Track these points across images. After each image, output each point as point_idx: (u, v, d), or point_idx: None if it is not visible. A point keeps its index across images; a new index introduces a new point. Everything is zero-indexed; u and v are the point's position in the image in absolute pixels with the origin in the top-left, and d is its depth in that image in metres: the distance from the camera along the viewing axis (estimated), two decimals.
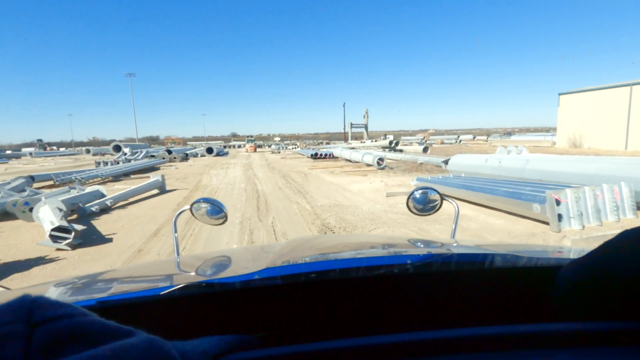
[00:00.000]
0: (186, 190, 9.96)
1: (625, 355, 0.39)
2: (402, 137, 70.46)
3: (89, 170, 12.76)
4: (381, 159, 13.99)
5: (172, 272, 1.03)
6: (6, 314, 0.25)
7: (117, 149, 37.92)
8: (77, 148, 43.83)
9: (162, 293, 0.62)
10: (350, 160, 18.14)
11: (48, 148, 53.27)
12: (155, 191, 9.57)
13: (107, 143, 57.49)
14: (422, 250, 0.97)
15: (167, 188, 10.25)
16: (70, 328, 0.26)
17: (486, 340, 0.41)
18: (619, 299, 0.47)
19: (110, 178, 13.21)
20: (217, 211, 1.35)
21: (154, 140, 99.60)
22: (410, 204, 1.45)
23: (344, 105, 76.60)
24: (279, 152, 33.47)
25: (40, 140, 55.61)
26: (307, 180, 11.37)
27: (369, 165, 14.91)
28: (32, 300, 0.27)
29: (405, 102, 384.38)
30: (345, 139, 72.17)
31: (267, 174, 13.98)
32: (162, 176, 9.76)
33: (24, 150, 52.50)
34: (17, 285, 3.65)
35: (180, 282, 0.67)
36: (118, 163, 20.00)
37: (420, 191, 1.44)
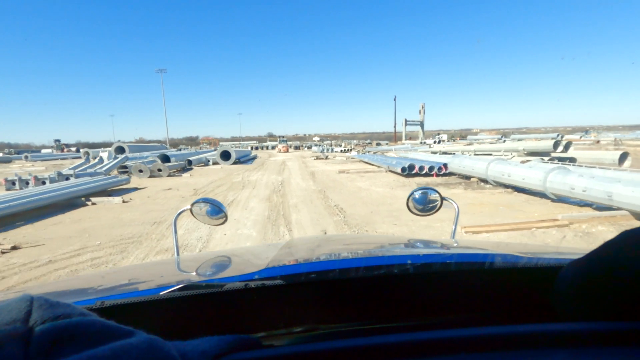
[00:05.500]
0: None
1: (625, 355, 0.38)
2: (469, 137, 57.04)
3: None
4: None
5: (172, 272, 1.00)
6: (5, 314, 0.25)
7: (121, 150, 30.09)
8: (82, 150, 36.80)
9: (162, 293, 0.61)
10: (519, 189, 7.37)
11: (65, 149, 47.84)
12: None
13: (154, 142, 51.49)
14: (422, 251, 0.96)
15: None
16: (70, 328, 0.25)
17: (486, 340, 0.40)
18: (619, 299, 0.45)
19: None
20: (217, 211, 1.32)
21: (192, 141, 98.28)
22: (410, 204, 1.42)
23: (394, 99, 64.54)
24: (326, 157, 23.00)
25: (57, 140, 50.72)
26: None
27: None
28: (31, 300, 0.26)
29: (444, 101, 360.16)
30: (396, 139, 60.69)
31: None
32: None
33: (44, 151, 47.84)
34: None
35: (180, 282, 0.65)
36: (44, 183, 10.95)
37: (420, 191, 1.41)
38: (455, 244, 1.10)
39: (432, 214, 1.41)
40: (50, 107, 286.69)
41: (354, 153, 25.27)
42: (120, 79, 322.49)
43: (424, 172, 11.02)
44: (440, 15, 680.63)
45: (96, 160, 16.45)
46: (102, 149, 26.71)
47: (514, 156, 13.20)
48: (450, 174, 10.94)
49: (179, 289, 0.61)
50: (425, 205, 1.40)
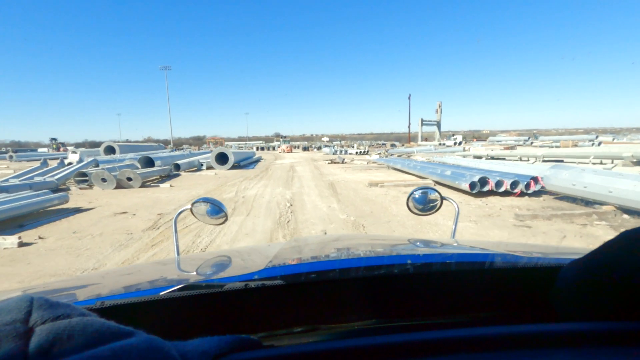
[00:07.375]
0: None
1: (625, 356, 0.38)
2: (490, 138, 52.78)
3: None
4: None
5: (172, 272, 1.00)
6: (5, 314, 0.25)
7: (111, 150, 27.03)
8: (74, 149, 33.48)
9: (162, 293, 0.60)
10: None
11: (62, 149, 45.21)
12: None
13: (161, 142, 48.85)
14: (422, 251, 0.95)
15: None
16: (70, 328, 0.25)
17: (486, 340, 0.40)
18: (619, 299, 0.45)
19: None
20: (217, 211, 1.31)
21: (198, 140, 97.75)
22: (411, 204, 1.43)
23: (409, 98, 60.70)
24: (343, 162, 19.42)
25: (54, 139, 48.18)
26: None
27: None
28: (31, 301, 0.26)
29: (451, 101, 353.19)
30: (410, 139, 56.69)
31: None
32: None
33: (40, 150, 45.40)
34: None
35: (180, 282, 0.65)
36: None
37: (420, 191, 1.42)
38: (455, 244, 1.11)
39: (432, 213, 1.41)
40: (59, 106, 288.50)
41: (375, 156, 21.65)
42: (131, 79, 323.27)
43: (502, 188, 7.45)
44: (443, 15, 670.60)
45: (58, 163, 13.19)
46: (72, 148, 23.59)
47: (615, 165, 9.53)
48: (541, 192, 7.35)
49: (179, 289, 0.61)
50: (425, 205, 1.40)
